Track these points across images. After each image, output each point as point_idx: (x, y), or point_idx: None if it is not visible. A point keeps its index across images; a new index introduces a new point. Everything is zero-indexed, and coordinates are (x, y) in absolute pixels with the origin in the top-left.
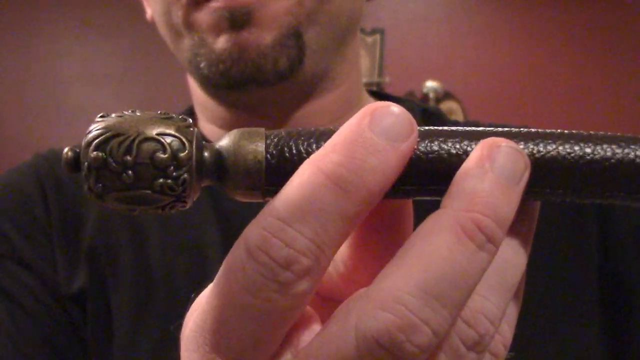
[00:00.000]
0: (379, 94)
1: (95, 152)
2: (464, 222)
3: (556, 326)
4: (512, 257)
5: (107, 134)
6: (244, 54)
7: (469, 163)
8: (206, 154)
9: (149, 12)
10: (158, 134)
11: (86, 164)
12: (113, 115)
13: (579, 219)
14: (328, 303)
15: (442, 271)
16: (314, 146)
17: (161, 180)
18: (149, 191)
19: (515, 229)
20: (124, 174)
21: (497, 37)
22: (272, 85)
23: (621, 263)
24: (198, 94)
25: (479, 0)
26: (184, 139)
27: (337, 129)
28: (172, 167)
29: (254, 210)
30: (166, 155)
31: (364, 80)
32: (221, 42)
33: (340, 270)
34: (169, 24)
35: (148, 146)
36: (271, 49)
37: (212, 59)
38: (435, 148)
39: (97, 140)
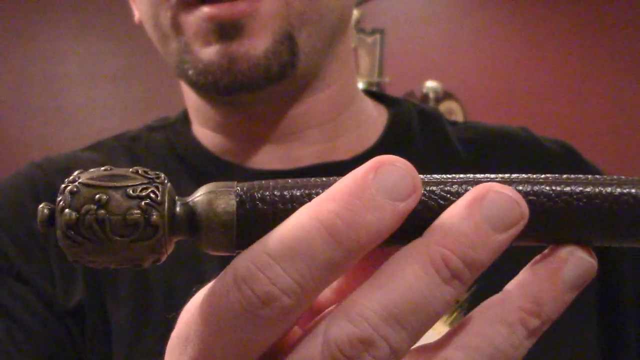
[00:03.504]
0: (376, 94)
1: (68, 231)
2: (433, 255)
3: (555, 330)
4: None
5: (76, 215)
6: (234, 65)
7: (459, 202)
8: (178, 209)
9: (137, 14)
10: (129, 213)
11: (60, 236)
12: (83, 180)
13: None
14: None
15: (405, 296)
16: (286, 200)
17: (134, 252)
18: (121, 265)
19: None
20: (96, 253)
21: (497, 37)
22: (262, 89)
23: (619, 267)
24: (190, 97)
25: (479, 1)
26: (155, 217)
27: (309, 181)
28: (144, 245)
29: None
30: (137, 236)
31: (364, 80)
32: (209, 54)
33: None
34: (157, 26)
35: (120, 228)
36: (263, 58)
37: (200, 69)
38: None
39: (68, 218)
